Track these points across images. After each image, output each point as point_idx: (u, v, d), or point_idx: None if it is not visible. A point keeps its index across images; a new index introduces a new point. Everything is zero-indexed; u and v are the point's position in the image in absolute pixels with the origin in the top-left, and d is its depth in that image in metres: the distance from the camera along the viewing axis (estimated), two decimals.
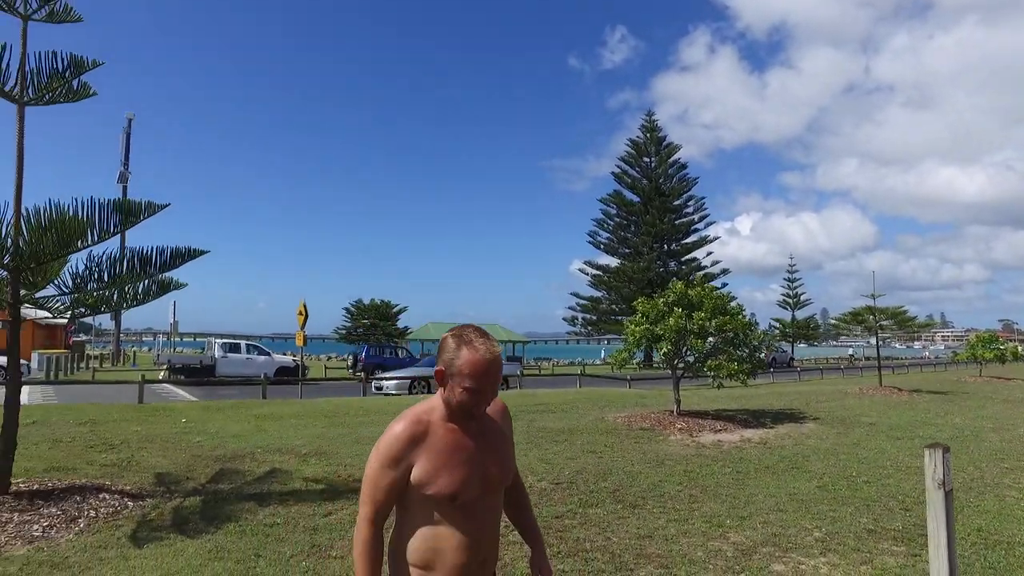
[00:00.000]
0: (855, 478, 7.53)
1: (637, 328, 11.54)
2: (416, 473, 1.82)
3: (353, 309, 47.55)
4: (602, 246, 51.22)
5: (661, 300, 11.73)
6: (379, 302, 46.90)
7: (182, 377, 22.99)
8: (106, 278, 5.73)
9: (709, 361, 11.39)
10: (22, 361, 21.91)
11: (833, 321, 22.58)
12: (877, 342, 18.99)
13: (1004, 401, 17.35)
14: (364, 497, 1.87)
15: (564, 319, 52.14)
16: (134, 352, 43.38)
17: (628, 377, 23.27)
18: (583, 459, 8.34)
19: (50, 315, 5.66)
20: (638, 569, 4.45)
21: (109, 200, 5.46)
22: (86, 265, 5.66)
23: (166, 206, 5.73)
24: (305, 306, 17.46)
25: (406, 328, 47.68)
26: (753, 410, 13.72)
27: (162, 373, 23.51)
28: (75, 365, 30.04)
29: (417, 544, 1.86)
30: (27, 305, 5.63)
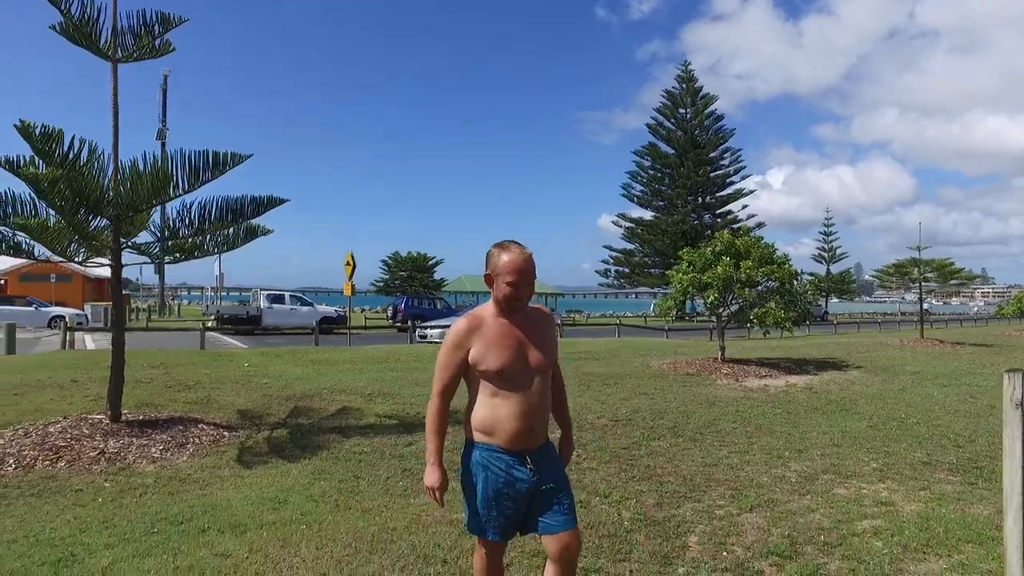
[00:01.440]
0: (904, 419, 7.73)
1: (684, 277, 11.70)
2: (472, 354, 2.38)
3: (391, 261, 48.20)
4: (636, 199, 50.83)
5: (708, 249, 11.85)
6: (415, 254, 47.45)
7: (229, 327, 23.86)
8: (196, 224, 6.10)
9: (756, 309, 11.54)
10: (77, 311, 22.90)
11: (873, 274, 22.34)
12: (920, 295, 18.83)
13: None
14: (436, 376, 2.46)
15: (597, 271, 52.25)
16: (178, 304, 44.84)
17: (666, 327, 23.53)
18: (636, 400, 8.67)
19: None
20: (710, 491, 4.79)
21: (198, 151, 5.77)
22: (178, 212, 6.03)
23: (249, 156, 6.03)
24: (352, 257, 17.89)
25: (442, 280, 48.27)
26: (795, 359, 13.89)
27: (211, 322, 24.39)
28: (127, 317, 31.32)
29: (480, 414, 2.43)
30: (130, 251, 6.04)
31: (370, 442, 6.20)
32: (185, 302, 58.79)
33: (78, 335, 18.99)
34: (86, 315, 25.76)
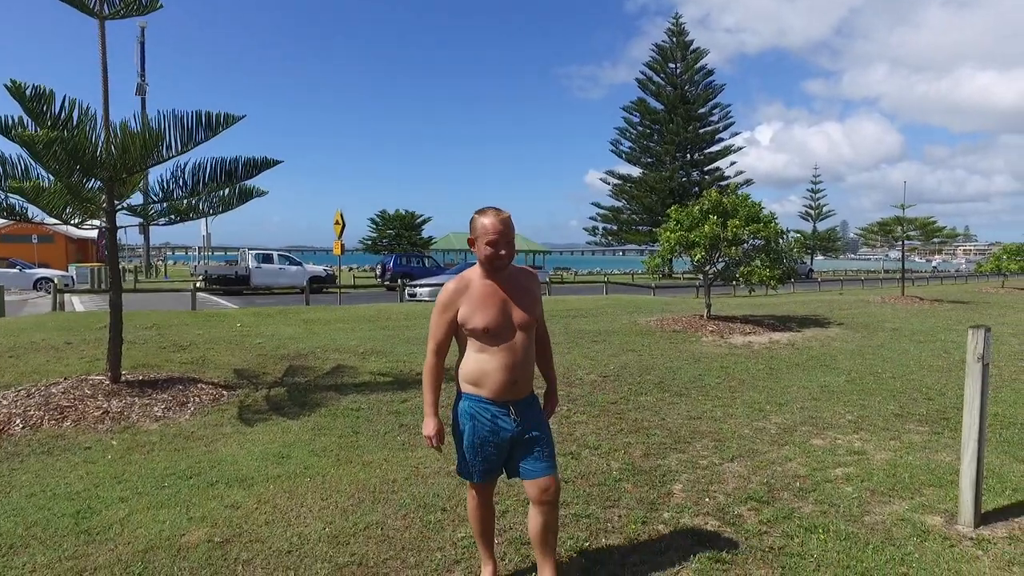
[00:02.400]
0: (880, 374, 8.04)
1: (672, 235, 11.85)
2: (461, 314, 2.60)
3: (378, 220, 47.90)
4: (624, 155, 50.50)
5: (696, 207, 11.97)
6: (403, 212, 47.14)
7: (218, 287, 23.84)
8: (189, 186, 6.13)
9: (742, 268, 11.75)
10: (63, 273, 22.73)
11: (858, 232, 22.61)
12: (903, 253, 19.16)
13: None
14: (430, 335, 2.70)
15: (585, 229, 52.24)
16: (164, 265, 44.50)
17: (653, 285, 23.82)
18: (624, 356, 8.92)
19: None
20: (694, 442, 5.04)
21: (191, 112, 5.76)
22: (172, 174, 6.04)
23: (242, 118, 6.03)
24: (342, 215, 17.82)
25: (430, 238, 48.11)
26: (779, 316, 14.21)
27: (199, 283, 24.34)
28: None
29: (469, 367, 2.66)
30: (124, 213, 6.07)
31: (366, 399, 6.39)
32: (171, 262, 58.29)
33: (66, 297, 18.93)
34: (71, 276, 25.58)
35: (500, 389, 2.61)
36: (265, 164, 6.24)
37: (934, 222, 17.81)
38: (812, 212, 66.26)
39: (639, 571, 2.97)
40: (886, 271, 52.24)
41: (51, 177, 5.44)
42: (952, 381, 7.59)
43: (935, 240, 18.72)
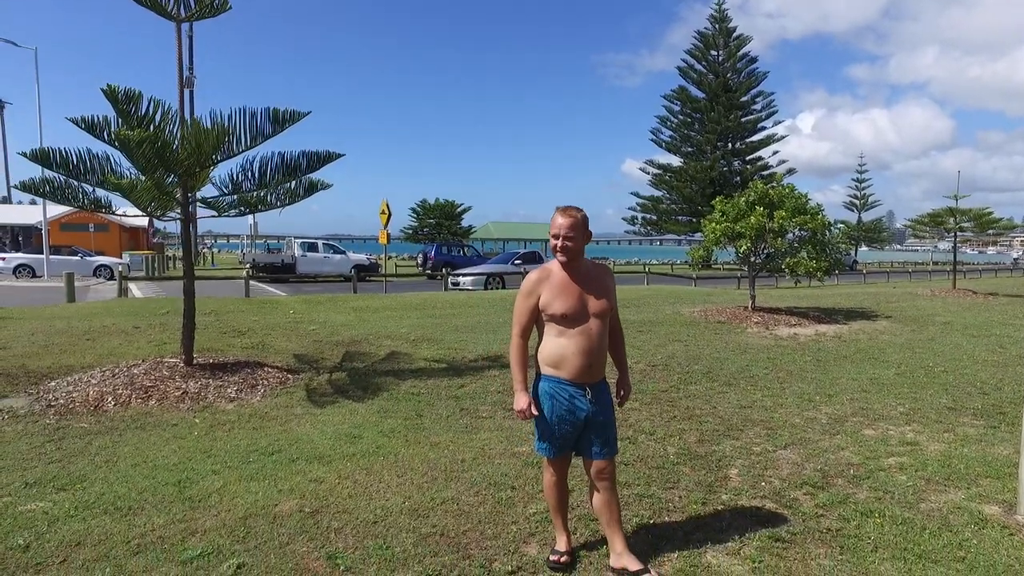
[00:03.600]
0: (932, 368, 7.98)
1: (717, 226, 11.84)
2: (542, 301, 2.84)
3: (419, 209, 48.51)
4: (664, 144, 49.97)
5: (742, 199, 11.94)
6: (443, 202, 47.65)
7: (265, 275, 24.55)
8: (257, 179, 6.45)
9: (787, 259, 11.69)
10: (119, 260, 23.69)
11: (906, 223, 22.09)
12: (955, 245, 18.68)
13: None
14: (514, 320, 2.92)
15: (623, 219, 51.94)
16: (212, 253, 45.87)
17: (694, 276, 23.71)
18: (671, 347, 9.03)
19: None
20: (746, 431, 5.16)
21: (261, 109, 6.07)
22: (241, 167, 6.37)
23: (307, 114, 6.31)
24: (388, 205, 18.21)
25: (470, 227, 48.53)
26: (824, 308, 14.08)
27: (246, 271, 25.09)
28: (163, 265, 32.26)
29: (549, 351, 2.88)
30: (199, 205, 6.43)
31: (424, 384, 6.66)
32: (217, 251, 59.94)
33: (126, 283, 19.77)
34: (127, 264, 26.66)
35: (577, 371, 2.82)
36: (328, 158, 6.52)
37: (990, 213, 17.31)
38: (857, 202, 64.60)
39: (703, 547, 3.15)
40: (934, 263, 50.76)
41: (139, 173, 5.80)
42: (1009, 376, 7.51)
43: (990, 232, 18.19)
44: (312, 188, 6.54)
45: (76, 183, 6.16)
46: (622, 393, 3.13)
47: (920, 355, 8.89)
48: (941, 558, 3.11)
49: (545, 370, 2.90)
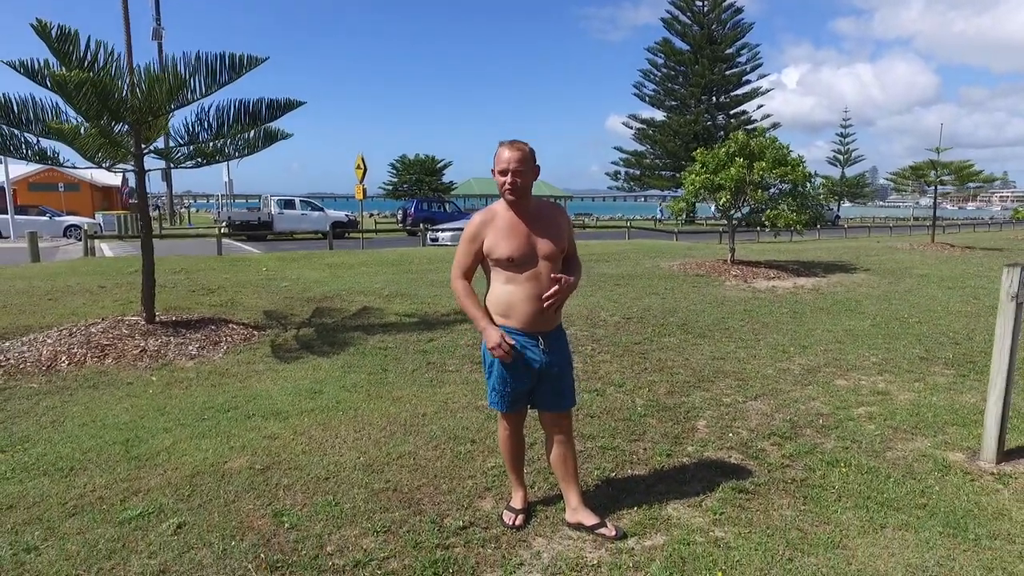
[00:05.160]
0: (906, 319, 7.97)
1: (697, 178, 11.66)
2: (486, 244, 2.64)
3: (398, 165, 47.59)
4: (648, 98, 49.21)
5: (722, 150, 11.73)
6: (423, 157, 46.75)
7: (241, 233, 24.08)
8: (214, 129, 6.14)
9: (768, 211, 11.57)
10: (90, 220, 23.03)
11: (888, 177, 22.02)
12: (935, 199, 18.65)
13: None
14: (455, 264, 2.73)
15: (607, 174, 51.47)
16: (188, 212, 44.94)
17: (676, 230, 23.61)
18: (647, 299, 8.94)
19: (165, 163, 6.15)
20: (718, 381, 5.10)
21: (215, 54, 5.73)
22: (197, 116, 6.06)
23: (265, 59, 5.98)
24: (363, 160, 17.73)
25: (451, 183, 47.80)
26: (804, 261, 14.06)
27: (223, 229, 24.60)
28: (137, 224, 31.54)
29: (497, 298, 2.68)
30: (153, 156, 6.13)
31: (393, 338, 6.52)
32: (193, 210, 58.76)
33: (95, 243, 19.30)
34: (99, 224, 26.00)
35: (528, 320, 2.64)
36: (288, 106, 6.21)
37: (970, 166, 17.24)
38: (841, 157, 64.49)
39: (664, 499, 3.07)
40: (915, 218, 51.07)
41: (83, 120, 5.48)
42: (980, 326, 7.52)
43: (970, 186, 18.17)
44: (271, 137, 6.25)
45: (19, 133, 5.82)
46: (562, 278, 2.63)
47: (896, 306, 8.88)
48: (903, 505, 3.06)
49: (495, 319, 2.70)
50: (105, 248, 20.59)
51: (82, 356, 5.48)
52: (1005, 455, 3.66)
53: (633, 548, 2.66)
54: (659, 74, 48.43)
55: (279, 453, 3.56)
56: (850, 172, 65.08)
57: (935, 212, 19.39)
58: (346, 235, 22.14)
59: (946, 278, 12.13)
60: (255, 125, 6.12)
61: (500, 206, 2.71)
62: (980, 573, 2.53)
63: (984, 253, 17.96)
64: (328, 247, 17.10)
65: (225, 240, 22.19)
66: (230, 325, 6.82)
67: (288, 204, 25.55)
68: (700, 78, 45.75)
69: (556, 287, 2.62)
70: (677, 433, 3.98)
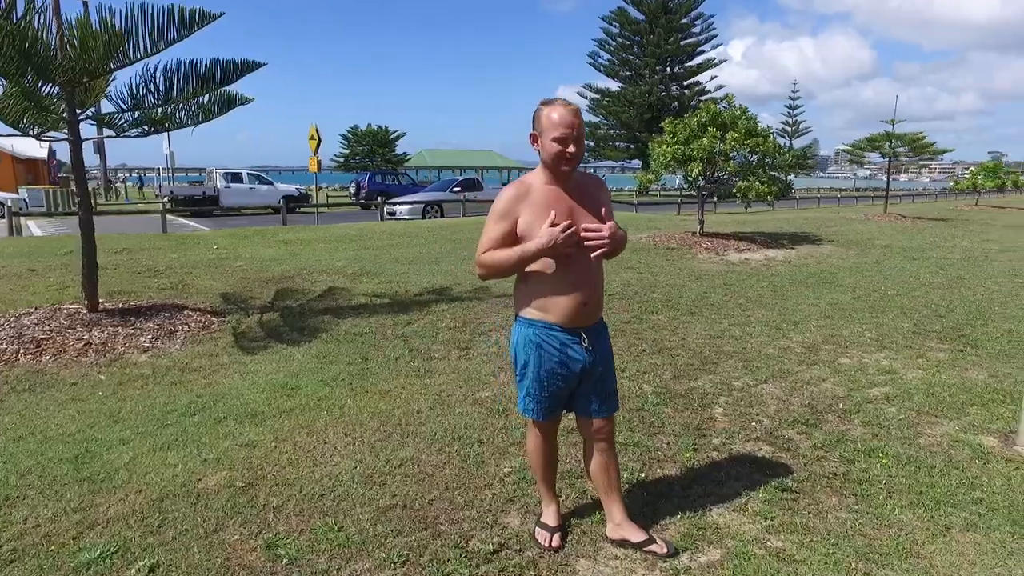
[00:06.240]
0: (885, 291, 7.93)
1: (668, 148, 11.39)
2: (521, 225, 2.21)
3: (350, 136, 45.95)
4: (602, 68, 48.69)
5: (694, 119, 11.47)
6: (376, 128, 45.25)
7: (185, 209, 22.79)
8: (163, 92, 5.46)
9: (739, 183, 11.42)
10: (14, 196, 21.29)
11: (843, 147, 22.33)
12: (888, 171, 19.00)
13: (1004, 227, 17.85)
14: (482, 245, 2.26)
15: None
16: (125, 187, 42.44)
17: (635, 202, 23.49)
18: (624, 274, 8.66)
19: (113, 132, 5.45)
20: (721, 363, 4.84)
21: (161, 6, 5.04)
22: (142, 78, 5.37)
23: (220, 15, 5.32)
24: (317, 130, 16.79)
25: (404, 155, 46.54)
26: (768, 233, 14.07)
27: (164, 204, 23.23)
28: (69, 201, 29.48)
29: (532, 289, 2.28)
30: (91, 123, 5.41)
31: (367, 322, 6.05)
32: (131, 183, 55.69)
33: (21, 221, 17.87)
34: (23, 199, 24.15)
35: (571, 314, 2.25)
36: (246, 67, 5.58)
37: (923, 137, 17.57)
38: (789, 129, 65.71)
39: (706, 504, 2.77)
40: (858, 190, 52.57)
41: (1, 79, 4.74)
42: (956, 298, 7.52)
43: (924, 157, 18.55)
44: (229, 103, 5.60)
45: None
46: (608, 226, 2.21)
47: (871, 278, 8.86)
48: (959, 501, 2.84)
49: (528, 313, 2.31)
50: (32, 226, 19.11)
51: (13, 353, 4.81)
52: None
53: (690, 567, 2.34)
54: (614, 44, 47.93)
55: (262, 465, 3.09)
56: (798, 144, 66.39)
57: (888, 183, 19.77)
58: (297, 209, 21.17)
59: (908, 249, 12.30)
60: (209, 89, 5.47)
61: (536, 178, 2.28)
62: None
63: (933, 223, 18.45)
64: (282, 223, 16.24)
65: (169, 216, 20.96)
66: (185, 311, 6.20)
67: (235, 177, 24.23)
68: (655, 48, 45.50)
69: (603, 229, 2.16)
70: (697, 424, 3.68)
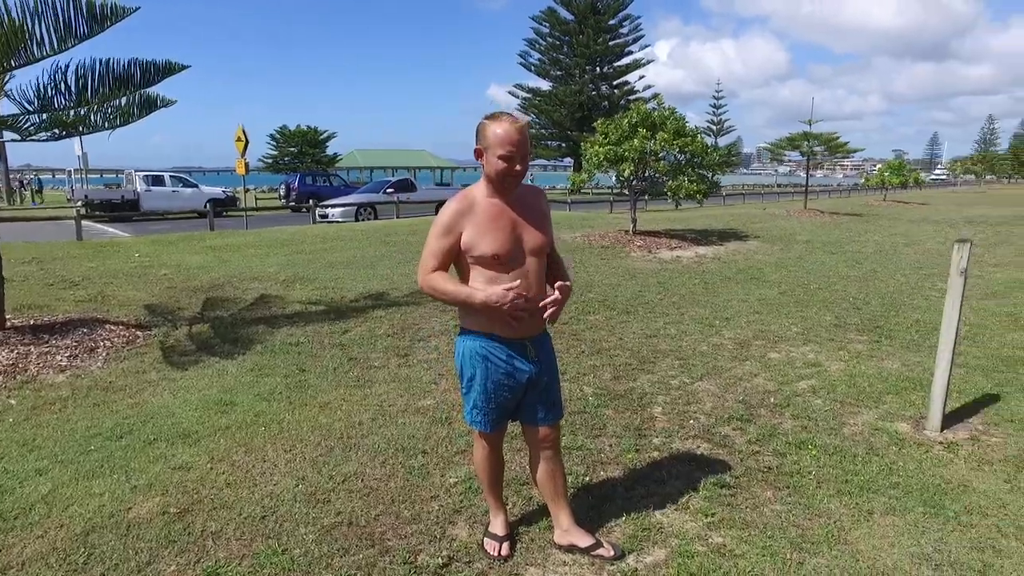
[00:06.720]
0: (808, 286, 8.34)
1: (600, 149, 11.59)
2: (465, 239, 2.21)
3: (278, 136, 44.53)
4: (533, 68, 49.19)
5: (625, 120, 11.72)
6: (306, 128, 44.02)
7: (102, 214, 21.56)
8: (75, 92, 5.15)
9: (669, 182, 11.75)
10: None
11: (765, 146, 23.32)
12: (807, 168, 19.97)
13: (909, 221, 19.06)
14: (425, 261, 2.26)
15: None
16: (31, 190, 39.75)
17: (568, 200, 23.81)
18: None
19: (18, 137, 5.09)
20: (659, 362, 4.97)
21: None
22: (51, 77, 5.04)
23: (135, 10, 5.06)
24: (244, 131, 16.20)
25: (335, 155, 45.50)
26: (698, 230, 14.54)
27: (78, 209, 21.90)
28: None
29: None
30: None
31: (303, 331, 5.90)
32: (37, 187, 52.17)
33: None
34: None
35: (516, 325, 2.27)
36: (168, 69, 5.32)
37: (837, 137, 18.56)
38: (714, 127, 67.99)
39: (649, 504, 2.84)
40: (779, 186, 55.01)
41: None
42: (872, 290, 7.99)
43: (839, 155, 19.59)
44: (150, 105, 5.32)
45: None
46: (558, 283, 2.27)
47: (795, 273, 9.30)
48: (879, 487, 3.02)
49: (473, 326, 2.31)
50: None
51: None
52: (945, 422, 3.77)
53: (637, 568, 2.40)
54: (544, 43, 48.47)
55: (197, 489, 2.97)
56: (723, 142, 68.80)
57: (807, 180, 20.77)
58: (224, 213, 20.39)
59: (827, 243, 12.98)
60: (128, 90, 5.19)
61: (479, 192, 2.28)
62: (974, 554, 2.51)
63: (849, 218, 19.52)
64: (209, 227, 15.61)
65: (85, 222, 19.76)
66: (107, 326, 5.88)
67: (157, 180, 23.09)
68: (585, 48, 46.25)
69: (556, 295, 2.25)
70: (637, 424, 3.77)
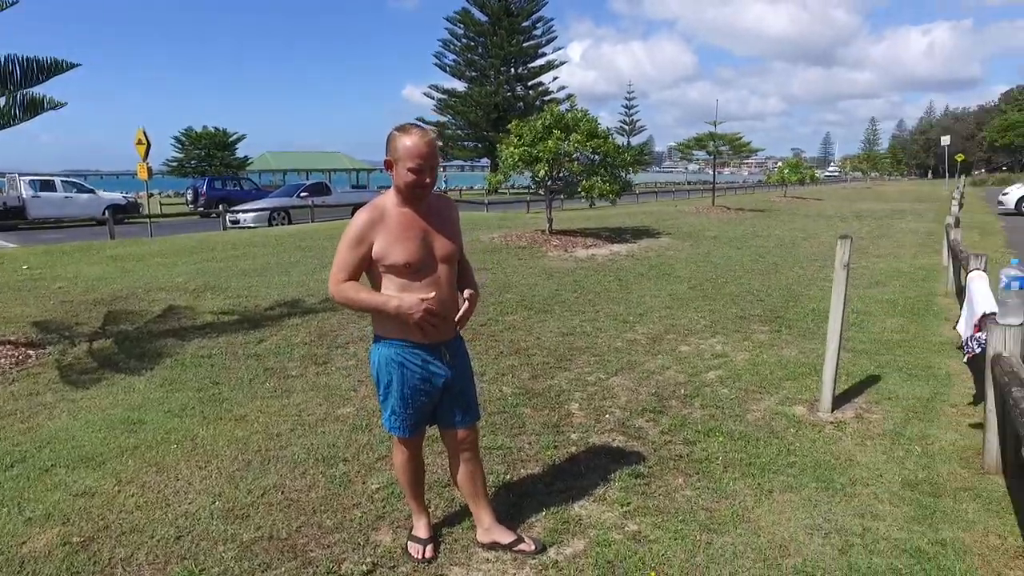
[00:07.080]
0: (715, 280, 8.79)
1: (515, 150, 11.75)
2: (376, 249, 2.26)
3: (183, 138, 42.27)
4: (448, 69, 49.04)
5: (539, 122, 11.93)
6: (213, 130, 42.01)
7: None
8: None
9: (584, 182, 12.05)
10: None
11: (675, 145, 24.30)
12: (714, 166, 20.96)
13: (806, 216, 20.34)
14: (336, 271, 2.29)
15: None
16: None
17: (486, 201, 23.95)
18: (478, 275, 8.82)
19: None
20: (575, 359, 5.12)
21: None
22: None
23: (13, 3, 4.74)
24: (145, 134, 15.31)
25: (246, 158, 43.71)
26: (613, 228, 14.98)
27: None
28: None
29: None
30: None
31: (215, 343, 5.69)
32: None
33: None
34: None
35: (429, 331, 2.31)
36: (55, 68, 5.01)
37: (740, 137, 19.58)
38: (627, 127, 70.08)
39: (568, 498, 2.95)
40: (689, 183, 57.38)
41: None
42: (773, 283, 8.52)
43: (743, 154, 20.67)
44: (34, 107, 4.99)
45: None
46: (467, 292, 2.40)
47: (703, 268, 9.76)
48: (778, 467, 3.26)
49: (388, 333, 2.34)
50: None
51: None
52: (835, 403, 4.10)
53: (557, 560, 2.49)
54: (459, 44, 48.41)
55: (103, 515, 2.83)
56: (635, 141, 71.05)
57: (715, 178, 21.83)
58: (125, 220, 19.22)
59: (733, 239, 13.68)
60: (7, 90, 4.85)
61: (389, 202, 2.32)
62: (856, 520, 2.76)
63: (753, 214, 20.63)
64: (109, 236, 14.69)
65: None
66: None
67: (46, 185, 21.41)
68: (499, 49, 46.53)
69: (468, 305, 2.35)
70: (555, 421, 3.89)
